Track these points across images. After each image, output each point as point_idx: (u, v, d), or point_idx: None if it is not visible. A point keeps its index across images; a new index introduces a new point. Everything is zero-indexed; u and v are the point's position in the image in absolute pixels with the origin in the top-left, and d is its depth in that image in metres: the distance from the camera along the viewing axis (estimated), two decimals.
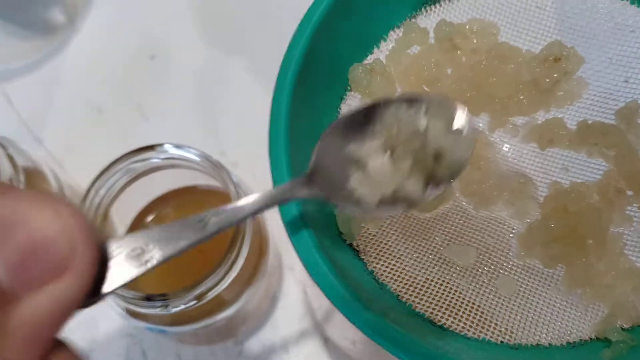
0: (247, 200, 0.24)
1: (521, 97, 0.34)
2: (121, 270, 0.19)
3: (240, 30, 0.67)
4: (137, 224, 0.48)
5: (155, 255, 0.20)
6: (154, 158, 0.42)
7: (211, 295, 0.40)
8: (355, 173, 0.26)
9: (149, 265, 0.20)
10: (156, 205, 0.49)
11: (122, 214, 0.47)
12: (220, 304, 0.44)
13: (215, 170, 0.41)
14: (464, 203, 0.33)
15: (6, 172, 0.42)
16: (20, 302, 0.14)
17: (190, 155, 0.41)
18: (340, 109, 0.34)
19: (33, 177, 0.46)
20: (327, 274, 0.26)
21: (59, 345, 0.16)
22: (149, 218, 0.48)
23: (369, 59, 0.35)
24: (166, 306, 0.39)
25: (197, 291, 0.39)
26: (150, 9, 0.67)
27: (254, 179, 0.50)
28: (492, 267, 0.32)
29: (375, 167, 0.26)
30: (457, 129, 0.26)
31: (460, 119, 0.27)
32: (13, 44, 0.63)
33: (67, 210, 0.15)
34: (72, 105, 0.62)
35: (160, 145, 0.41)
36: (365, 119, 0.27)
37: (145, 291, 0.39)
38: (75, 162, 0.58)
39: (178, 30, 0.66)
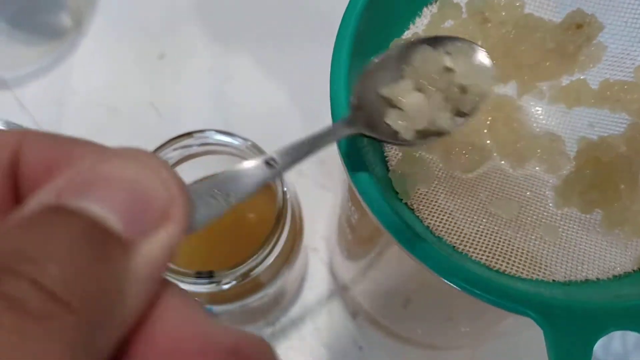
0: (304, 138, 0.25)
1: (547, 64, 0.36)
2: (206, 207, 0.21)
3: (246, 24, 0.68)
4: None
5: (229, 197, 0.21)
6: (193, 145, 0.44)
7: (254, 274, 0.42)
8: (390, 110, 0.29)
9: (231, 201, 0.21)
10: None
11: None
12: (259, 283, 0.46)
13: (257, 155, 0.43)
14: (502, 163, 0.36)
15: None
16: (136, 248, 0.16)
17: (231, 140, 0.43)
18: None
19: None
20: (395, 218, 0.28)
21: (166, 282, 0.18)
22: None
23: (406, 34, 0.37)
24: (218, 282, 0.41)
25: (242, 270, 0.41)
26: (154, 9, 0.69)
27: None
28: (534, 217, 0.34)
29: (410, 103, 0.29)
30: (477, 65, 0.30)
31: (479, 56, 0.30)
32: (22, 50, 0.64)
33: (163, 166, 0.17)
34: (86, 107, 0.63)
35: (200, 131, 0.43)
36: (396, 60, 0.30)
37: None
38: None
39: (184, 28, 0.68)
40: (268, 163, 0.24)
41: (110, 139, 0.60)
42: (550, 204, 0.35)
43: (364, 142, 0.32)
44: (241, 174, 0.23)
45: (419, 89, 0.29)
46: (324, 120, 0.29)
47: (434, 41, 0.30)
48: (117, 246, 0.15)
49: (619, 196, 0.33)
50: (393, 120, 0.29)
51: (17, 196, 0.18)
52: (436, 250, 0.29)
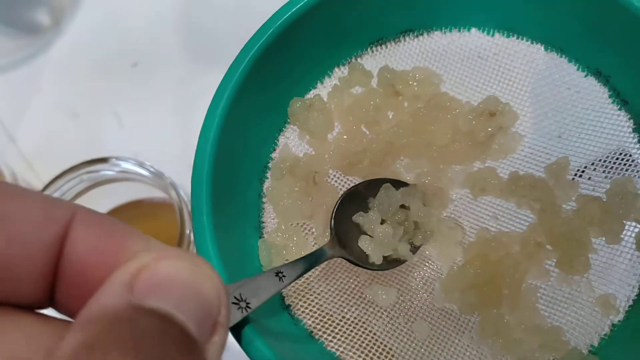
0: (307, 257, 0.29)
1: (457, 147, 0.34)
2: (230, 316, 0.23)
3: (221, 44, 0.67)
4: None
5: (249, 304, 0.25)
6: (108, 170, 0.43)
7: None
8: (362, 236, 0.32)
9: (247, 312, 0.24)
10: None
11: None
12: None
13: (161, 182, 0.42)
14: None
15: None
16: (206, 352, 0.18)
17: (141, 171, 0.42)
18: (278, 140, 0.34)
19: None
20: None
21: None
22: None
23: (312, 93, 0.35)
24: None
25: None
26: (137, 18, 0.68)
27: None
28: (410, 309, 0.32)
29: (381, 233, 0.32)
30: (428, 207, 0.34)
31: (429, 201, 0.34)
32: None
33: (213, 271, 0.19)
34: (49, 107, 0.63)
35: (116, 159, 0.42)
36: (363, 193, 0.34)
37: None
38: (45, 165, 0.58)
39: (162, 41, 0.67)
40: (278, 275, 0.27)
41: (66, 143, 0.59)
42: (433, 299, 0.32)
43: None
44: (258, 284, 0.26)
45: (384, 220, 0.33)
46: None
47: (395, 182, 0.34)
48: (198, 353, 0.17)
49: (500, 302, 0.31)
50: (365, 245, 0.32)
51: (55, 273, 0.19)
52: None
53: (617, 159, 0.33)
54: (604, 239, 0.31)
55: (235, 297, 0.24)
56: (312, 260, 0.29)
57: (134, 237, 0.20)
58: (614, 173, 0.33)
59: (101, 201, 0.47)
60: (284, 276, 0.27)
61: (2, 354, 0.17)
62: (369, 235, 0.32)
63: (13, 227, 0.18)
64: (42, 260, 0.19)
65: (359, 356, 0.30)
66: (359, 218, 0.33)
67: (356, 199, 0.34)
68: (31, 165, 0.58)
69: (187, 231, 0.40)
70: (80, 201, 0.45)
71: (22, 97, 0.63)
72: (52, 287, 0.19)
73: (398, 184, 0.34)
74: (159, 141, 0.60)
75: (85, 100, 0.64)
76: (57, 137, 0.62)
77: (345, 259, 0.32)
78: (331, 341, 0.31)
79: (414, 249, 0.33)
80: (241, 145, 0.32)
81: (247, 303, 0.25)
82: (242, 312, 0.24)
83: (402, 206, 0.34)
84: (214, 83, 0.64)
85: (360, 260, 0.32)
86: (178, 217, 0.40)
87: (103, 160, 0.43)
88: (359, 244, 0.32)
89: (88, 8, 0.68)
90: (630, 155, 0.32)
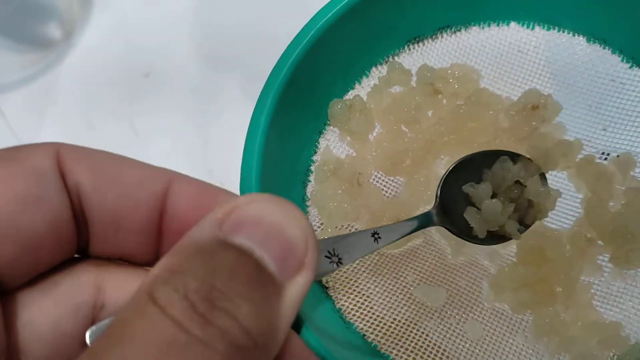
0: (408, 222, 0.29)
1: (498, 143, 0.34)
2: (321, 266, 0.24)
3: (234, 50, 0.67)
4: None
5: (342, 260, 0.25)
6: None
7: None
8: (469, 208, 0.31)
9: (340, 266, 0.25)
10: None
11: None
12: None
13: None
14: (437, 240, 0.33)
15: None
16: (285, 289, 0.19)
17: None
18: (318, 143, 0.34)
19: None
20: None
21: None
22: None
23: (350, 94, 0.35)
24: None
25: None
26: (148, 28, 0.68)
27: None
28: (461, 309, 0.31)
29: (488, 207, 0.31)
30: (546, 187, 0.32)
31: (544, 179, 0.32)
32: (8, 57, 0.64)
33: (302, 216, 0.20)
34: (65, 121, 0.62)
35: None
36: (478, 163, 0.32)
37: None
38: None
39: (174, 50, 0.66)
40: (374, 236, 0.27)
41: None
42: (482, 297, 0.32)
43: None
44: (352, 242, 0.26)
45: (496, 193, 0.32)
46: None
47: (512, 154, 0.32)
48: (274, 288, 0.18)
49: (554, 300, 0.30)
50: (471, 217, 0.31)
51: (160, 229, 0.22)
52: None
53: None
54: None
55: (328, 251, 0.24)
56: (412, 225, 0.29)
57: (226, 193, 0.22)
58: None
59: None
60: (379, 237, 0.27)
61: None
62: (477, 208, 0.31)
63: (122, 185, 0.22)
64: (147, 213, 0.21)
65: (414, 358, 0.30)
66: (469, 188, 0.32)
67: (469, 168, 0.32)
68: None
69: None
70: None
71: (37, 113, 0.63)
72: (158, 244, 0.22)
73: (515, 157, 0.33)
74: (176, 150, 0.60)
75: (100, 111, 0.63)
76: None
77: (447, 228, 0.31)
78: (384, 344, 0.30)
79: (524, 227, 0.32)
80: (283, 150, 0.32)
81: (340, 258, 0.25)
82: (333, 265, 0.25)
83: (519, 182, 0.32)
84: (227, 91, 0.64)
85: (463, 233, 0.31)
86: None
87: None
88: (465, 215, 0.31)
89: (98, 19, 0.67)
90: None
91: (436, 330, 0.31)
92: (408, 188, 0.34)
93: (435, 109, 0.34)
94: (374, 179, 0.34)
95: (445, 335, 0.31)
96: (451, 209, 0.31)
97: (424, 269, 0.33)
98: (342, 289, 0.31)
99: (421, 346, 0.30)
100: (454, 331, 0.31)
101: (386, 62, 0.35)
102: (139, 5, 0.68)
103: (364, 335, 0.30)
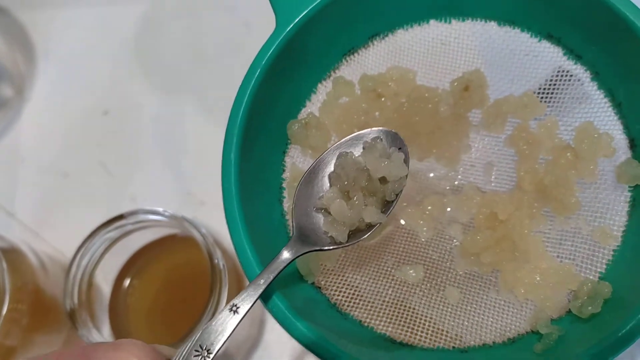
0: (260, 279, 0.30)
1: (443, 130, 0.38)
2: None
3: (183, 74, 0.69)
4: (120, 281, 0.52)
5: (210, 350, 0.27)
6: (127, 225, 0.46)
7: None
8: (325, 218, 0.33)
9: (211, 356, 0.27)
10: (135, 259, 0.52)
11: (105, 273, 0.50)
12: None
13: (182, 225, 0.45)
14: (405, 224, 0.38)
15: None
16: None
17: (158, 218, 0.44)
18: (284, 161, 0.38)
19: (12, 257, 0.49)
20: (299, 327, 0.30)
21: None
22: (131, 273, 0.52)
23: (303, 112, 0.39)
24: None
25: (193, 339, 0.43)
26: (94, 68, 0.70)
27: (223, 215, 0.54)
28: (438, 280, 0.36)
29: (334, 209, 0.32)
30: (386, 158, 0.33)
31: (387, 146, 0.34)
32: None
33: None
34: (37, 174, 0.65)
35: (132, 213, 0.45)
36: (320, 171, 0.33)
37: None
38: (50, 229, 0.60)
39: (125, 83, 0.69)
40: (232, 310, 0.28)
41: (65, 203, 0.61)
42: (454, 264, 0.36)
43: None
44: (212, 330, 0.27)
45: (347, 191, 0.33)
46: None
47: (354, 140, 0.34)
48: None
49: (514, 256, 0.35)
50: (329, 226, 0.32)
51: None
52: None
53: (579, 104, 0.37)
54: (583, 179, 0.36)
55: (195, 350, 0.27)
56: (269, 274, 0.30)
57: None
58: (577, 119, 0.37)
59: (128, 246, 0.50)
60: (237, 308, 0.28)
61: None
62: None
63: None
64: None
65: (407, 331, 0.34)
66: (318, 202, 0.33)
67: (316, 180, 0.34)
68: (37, 233, 0.59)
69: (216, 261, 0.44)
70: (108, 254, 0.48)
71: (8, 172, 0.65)
72: None
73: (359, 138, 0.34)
74: (149, 180, 0.62)
75: (70, 158, 0.65)
76: (54, 200, 0.63)
77: (310, 251, 0.32)
78: (379, 325, 0.35)
79: (386, 205, 0.33)
80: (255, 174, 0.36)
81: (208, 350, 0.27)
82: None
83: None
84: (186, 114, 0.67)
85: (330, 245, 0.32)
86: (205, 251, 0.44)
87: (119, 218, 0.46)
88: (324, 228, 0.33)
89: (44, 70, 0.69)
90: (591, 100, 0.37)
91: (420, 303, 0.35)
92: None
93: (381, 110, 0.38)
94: None
95: (429, 305, 0.35)
96: (313, 228, 0.33)
97: (400, 251, 0.37)
98: (333, 286, 0.36)
99: (411, 319, 0.35)
100: (435, 300, 0.35)
101: (329, 77, 0.39)
102: (80, 47, 0.70)
103: (360, 321, 0.35)
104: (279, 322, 0.31)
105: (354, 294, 0.36)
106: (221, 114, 0.66)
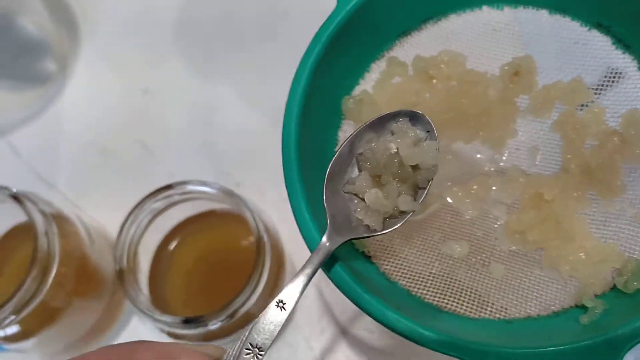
0: (305, 270, 0.30)
1: (490, 113, 0.39)
2: None
3: (222, 56, 0.71)
4: (161, 251, 0.53)
5: (261, 348, 0.28)
6: (175, 195, 0.47)
7: (242, 311, 0.45)
8: (359, 204, 0.33)
9: (263, 354, 0.28)
10: (177, 232, 0.54)
11: (148, 244, 0.52)
12: (248, 317, 0.49)
13: (231, 199, 0.46)
14: (451, 202, 0.39)
15: (40, 225, 0.47)
16: None
17: (207, 189, 0.46)
18: (337, 136, 0.39)
19: (62, 224, 0.50)
20: (355, 287, 0.32)
21: None
22: (172, 245, 0.53)
23: (356, 90, 0.40)
24: (205, 325, 0.44)
25: (230, 310, 0.45)
26: (135, 48, 0.71)
27: (261, 196, 0.55)
28: (483, 255, 0.37)
29: (370, 199, 0.33)
30: (419, 144, 0.33)
31: (420, 129, 0.34)
32: (10, 97, 0.67)
33: None
34: (78, 149, 0.66)
35: (180, 183, 0.47)
36: (348, 155, 0.34)
37: (180, 315, 0.45)
38: (91, 202, 0.62)
39: (165, 63, 0.70)
40: (279, 306, 0.29)
41: (105, 179, 0.63)
42: (498, 242, 0.38)
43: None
44: (261, 327, 0.28)
45: (378, 176, 0.33)
46: None
47: (379, 123, 0.34)
48: None
49: (558, 235, 0.36)
50: (363, 214, 0.33)
51: None
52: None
53: (626, 92, 0.38)
54: (629, 163, 0.37)
55: (245, 349, 0.27)
56: (312, 268, 0.30)
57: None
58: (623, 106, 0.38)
59: (173, 217, 0.52)
60: (284, 304, 0.29)
61: None
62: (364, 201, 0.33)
63: None
64: None
65: (453, 301, 0.36)
66: (348, 187, 0.33)
67: (345, 164, 0.34)
68: (79, 206, 0.61)
69: (262, 234, 0.45)
70: (152, 225, 0.50)
71: (50, 145, 0.67)
72: None
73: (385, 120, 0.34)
74: (187, 159, 0.64)
75: (108, 134, 0.67)
76: (94, 173, 0.65)
77: (349, 240, 0.32)
78: (426, 295, 0.36)
79: (417, 192, 0.34)
80: (312, 145, 0.37)
81: (259, 348, 0.28)
82: (255, 358, 0.27)
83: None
84: (224, 95, 0.68)
85: (366, 232, 0.33)
86: (252, 223, 0.45)
87: (168, 187, 0.47)
88: (357, 216, 0.33)
89: (87, 48, 0.71)
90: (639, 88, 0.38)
91: (466, 276, 0.37)
92: None
93: (432, 92, 0.40)
94: None
95: (474, 279, 0.37)
96: (343, 214, 0.33)
97: (446, 227, 0.39)
98: (382, 255, 0.37)
99: (457, 291, 0.36)
100: (480, 274, 0.37)
101: (383, 57, 0.40)
102: (122, 27, 0.72)
103: (409, 290, 0.36)
104: (343, 292, 0.32)
105: (401, 265, 0.37)
106: (258, 97, 0.68)
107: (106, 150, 0.66)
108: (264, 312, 0.29)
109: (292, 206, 0.34)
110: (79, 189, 0.63)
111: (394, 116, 0.34)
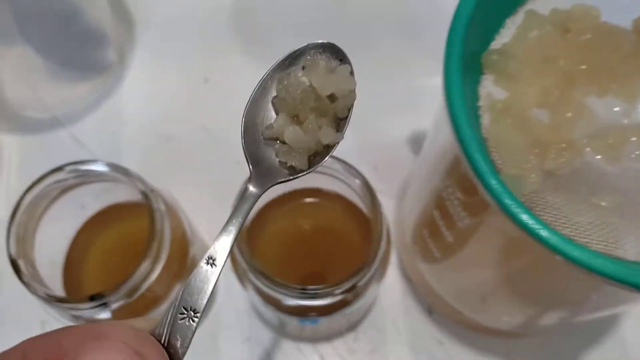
0: (233, 219, 0.29)
1: (626, 67, 0.39)
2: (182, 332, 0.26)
3: (279, 45, 0.70)
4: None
5: (196, 309, 0.26)
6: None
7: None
8: (279, 146, 0.31)
9: (198, 316, 0.26)
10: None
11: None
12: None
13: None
14: (597, 158, 0.39)
15: (155, 204, 0.45)
16: None
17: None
18: (479, 91, 0.39)
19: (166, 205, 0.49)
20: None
21: None
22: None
23: (493, 45, 0.40)
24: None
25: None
26: (192, 37, 0.71)
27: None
28: (636, 201, 0.37)
29: (289, 137, 0.31)
30: (330, 72, 0.31)
31: (333, 61, 0.32)
32: (71, 88, 0.66)
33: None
34: (140, 137, 0.65)
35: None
36: (262, 98, 0.32)
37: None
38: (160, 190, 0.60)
39: (223, 52, 0.70)
40: (209, 263, 0.27)
41: (169, 166, 0.61)
42: None
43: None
44: (193, 288, 0.26)
45: (295, 115, 0.31)
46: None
47: (289, 62, 0.32)
48: None
49: None
50: (286, 156, 0.31)
51: None
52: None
53: None
54: None
55: (180, 314, 0.26)
56: (241, 217, 0.29)
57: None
58: None
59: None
60: (214, 260, 0.27)
61: None
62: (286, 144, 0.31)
63: None
64: None
65: (618, 248, 0.35)
66: (266, 131, 0.32)
67: (261, 109, 0.32)
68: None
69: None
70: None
71: (111, 134, 0.65)
72: None
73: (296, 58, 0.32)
74: None
75: (171, 121, 0.66)
76: (156, 162, 0.64)
77: (275, 184, 0.31)
78: (590, 242, 0.36)
79: (339, 124, 0.32)
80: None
81: (194, 310, 0.26)
82: (190, 321, 0.26)
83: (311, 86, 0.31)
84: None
85: (291, 174, 0.31)
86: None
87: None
88: (279, 158, 0.31)
89: (144, 38, 0.70)
90: None
91: (623, 224, 0.37)
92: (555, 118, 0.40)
93: (567, 45, 0.40)
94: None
95: (632, 226, 0.36)
96: (266, 160, 0.31)
97: (592, 182, 0.38)
98: (538, 207, 0.37)
99: (618, 239, 0.36)
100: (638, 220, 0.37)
101: (517, 12, 0.40)
102: (178, 17, 0.71)
103: (573, 238, 0.36)
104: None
105: (559, 215, 0.37)
106: None
107: (169, 137, 0.65)
108: (194, 272, 0.27)
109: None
110: (145, 177, 0.62)
111: (302, 52, 0.32)
